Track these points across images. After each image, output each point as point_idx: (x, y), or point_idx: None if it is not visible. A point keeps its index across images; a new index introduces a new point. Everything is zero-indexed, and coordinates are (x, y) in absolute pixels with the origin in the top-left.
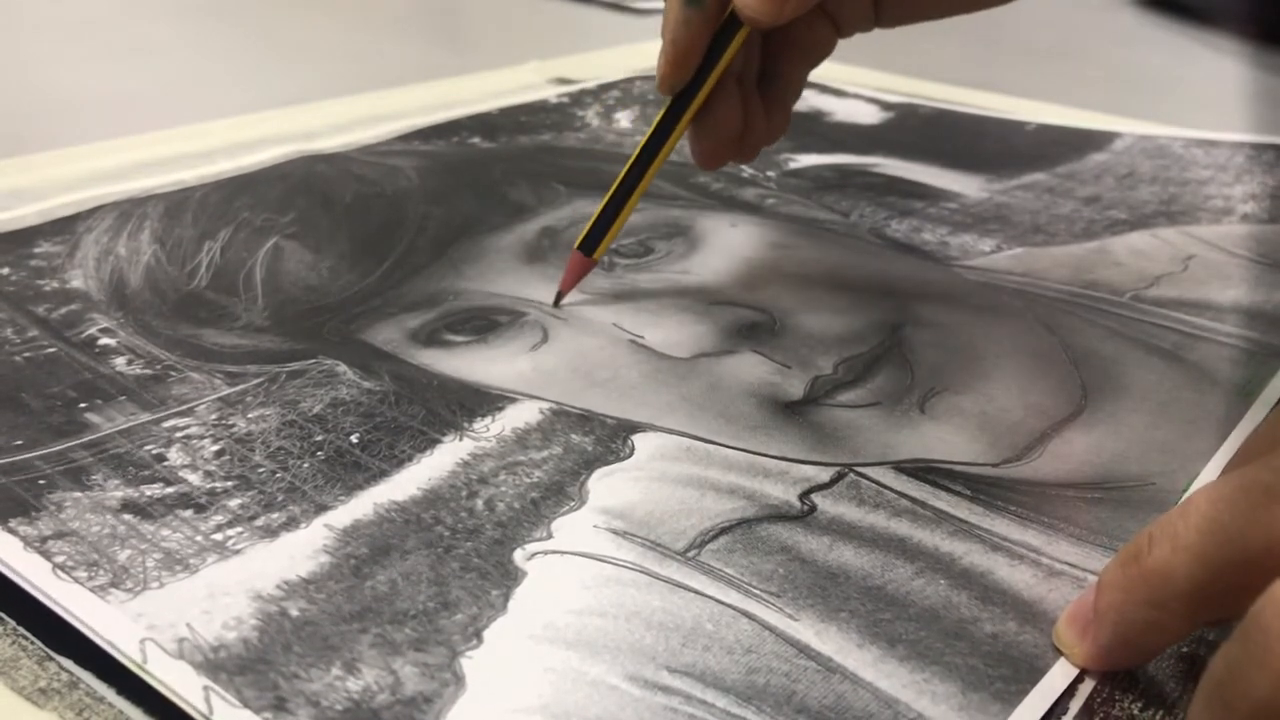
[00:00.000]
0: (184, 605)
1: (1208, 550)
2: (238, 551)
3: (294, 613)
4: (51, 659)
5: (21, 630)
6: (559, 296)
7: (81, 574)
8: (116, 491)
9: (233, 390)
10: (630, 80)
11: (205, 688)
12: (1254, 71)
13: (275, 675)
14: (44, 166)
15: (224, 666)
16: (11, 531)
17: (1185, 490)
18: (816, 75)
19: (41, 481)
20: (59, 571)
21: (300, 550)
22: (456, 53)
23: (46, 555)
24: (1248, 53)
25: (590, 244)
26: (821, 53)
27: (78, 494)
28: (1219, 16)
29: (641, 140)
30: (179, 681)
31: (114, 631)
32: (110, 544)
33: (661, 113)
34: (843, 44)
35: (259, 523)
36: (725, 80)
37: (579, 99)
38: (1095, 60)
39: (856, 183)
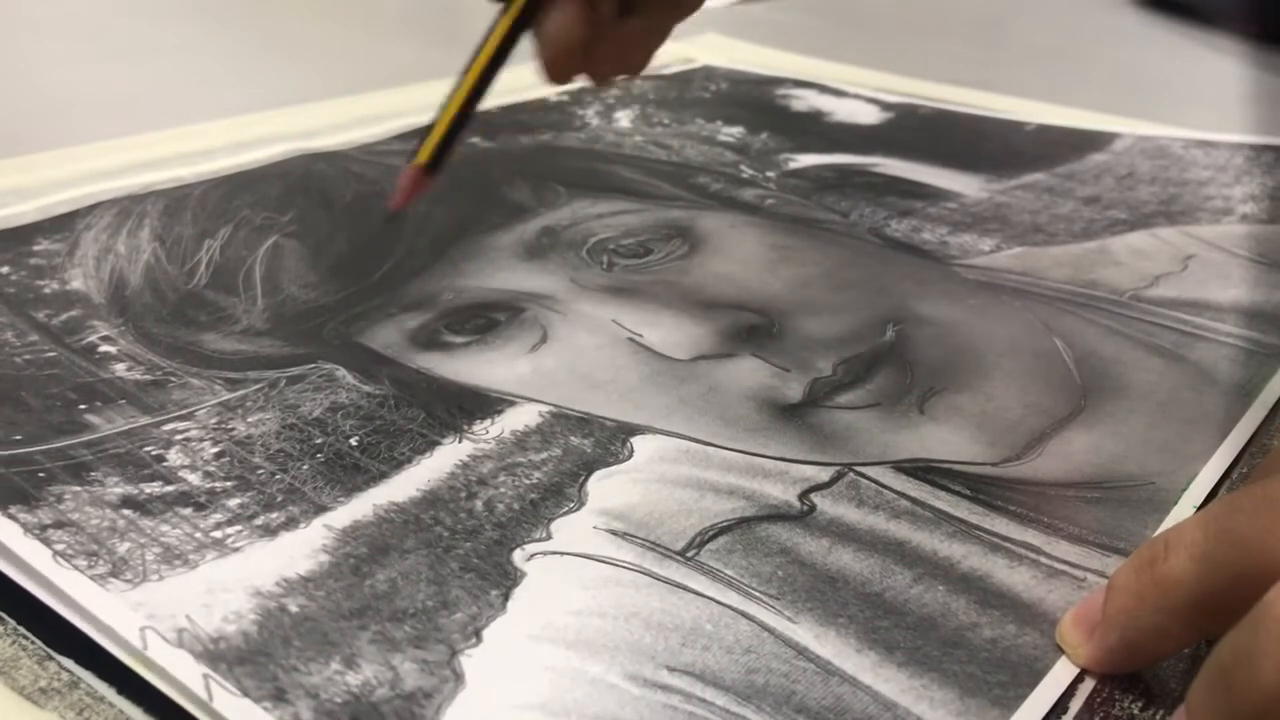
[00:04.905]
0: (183, 598)
1: (1225, 561)
2: (237, 549)
3: (293, 609)
4: (51, 659)
5: (22, 630)
6: (393, 213)
7: (81, 562)
8: (116, 488)
9: (233, 395)
10: (630, 79)
11: (205, 676)
12: (1254, 71)
13: (275, 667)
14: (44, 166)
15: (223, 657)
16: (11, 518)
17: (1185, 490)
18: (816, 75)
19: (41, 474)
20: (59, 559)
21: (299, 550)
22: (457, 53)
23: (46, 542)
24: (1248, 53)
25: (436, 162)
26: (687, 6)
27: (77, 488)
28: (1219, 16)
29: (482, 47)
30: (179, 669)
31: (114, 618)
32: (109, 536)
33: (496, 19)
34: (842, 44)
35: (258, 522)
36: None
37: (579, 98)
38: (1095, 60)
39: (856, 183)
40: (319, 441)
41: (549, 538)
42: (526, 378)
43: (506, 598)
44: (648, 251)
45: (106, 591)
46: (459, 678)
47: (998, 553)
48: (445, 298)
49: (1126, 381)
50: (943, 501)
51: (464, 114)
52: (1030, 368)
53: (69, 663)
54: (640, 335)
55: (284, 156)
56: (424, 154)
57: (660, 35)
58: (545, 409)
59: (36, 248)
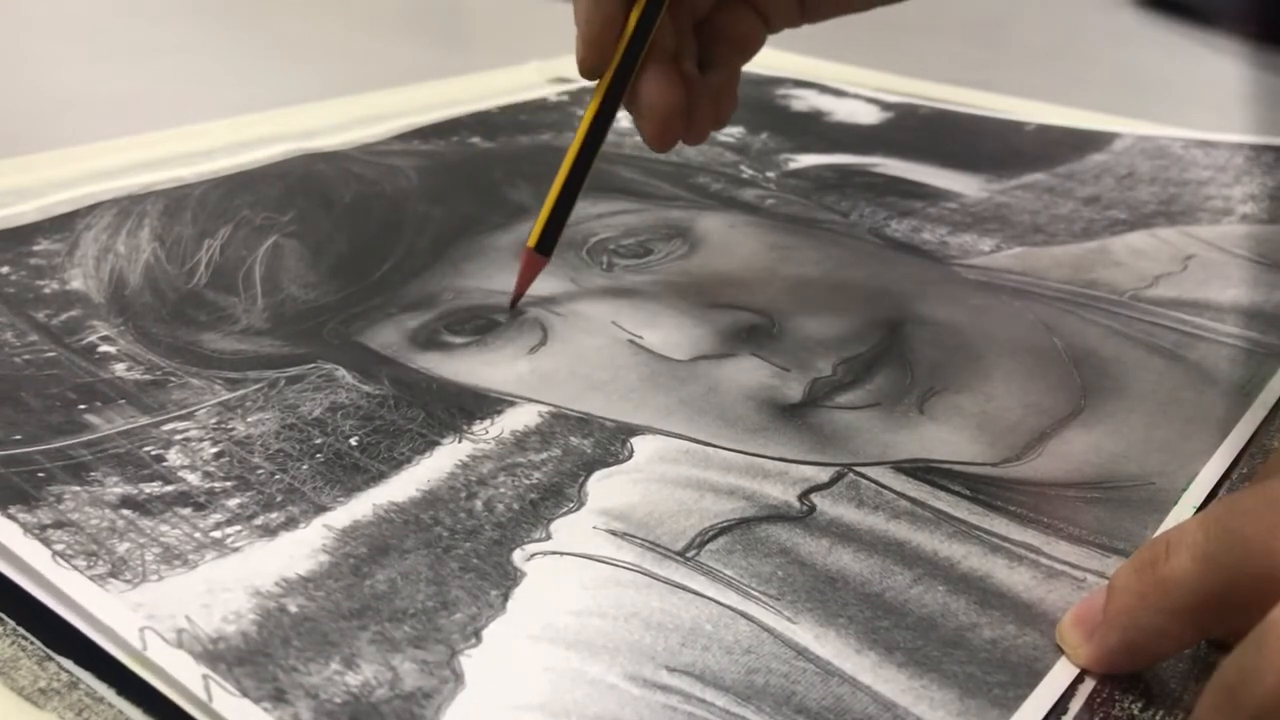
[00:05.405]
0: (183, 598)
1: (1227, 562)
2: (236, 549)
3: (293, 609)
4: (51, 659)
5: (21, 630)
6: (515, 299)
7: (80, 562)
8: (115, 488)
9: (232, 395)
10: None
11: (205, 676)
12: (1254, 71)
13: (274, 668)
14: (44, 166)
15: (223, 657)
16: (11, 518)
17: (1185, 490)
18: (816, 75)
19: (41, 474)
20: (59, 559)
21: (299, 550)
22: (456, 53)
23: (46, 543)
24: (1248, 53)
25: (546, 243)
26: (752, 46)
27: (76, 488)
28: (1219, 16)
29: (580, 131)
30: (179, 669)
31: (114, 619)
32: (109, 536)
33: (596, 101)
34: (842, 44)
35: (258, 522)
36: (658, 60)
37: (579, 98)
38: (1095, 60)
39: (856, 183)
40: (319, 441)
41: (549, 538)
42: (526, 378)
43: (506, 598)
44: (648, 251)
45: (106, 592)
46: (459, 678)
47: (998, 553)
48: (445, 298)
49: (1126, 381)
50: (943, 502)
51: (568, 193)
52: (1030, 368)
53: (68, 663)
54: (640, 336)
55: (284, 156)
56: (533, 236)
57: (736, 81)
58: (545, 409)
59: (36, 248)
